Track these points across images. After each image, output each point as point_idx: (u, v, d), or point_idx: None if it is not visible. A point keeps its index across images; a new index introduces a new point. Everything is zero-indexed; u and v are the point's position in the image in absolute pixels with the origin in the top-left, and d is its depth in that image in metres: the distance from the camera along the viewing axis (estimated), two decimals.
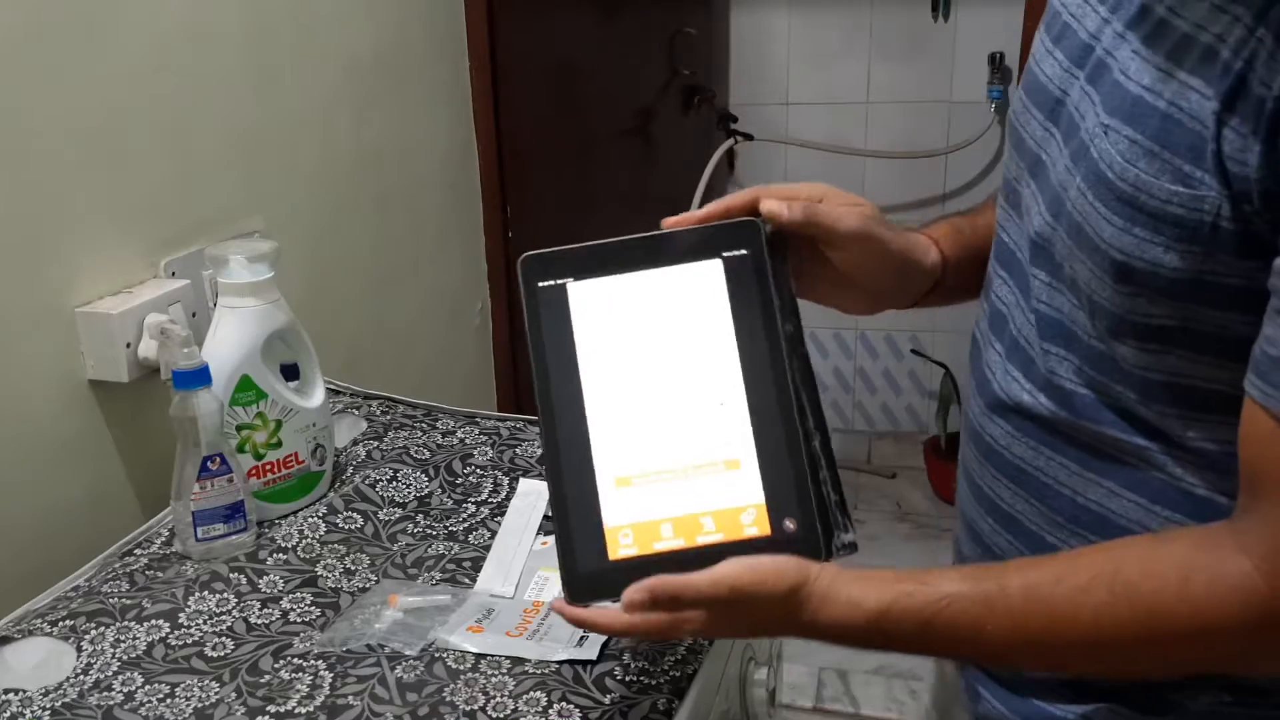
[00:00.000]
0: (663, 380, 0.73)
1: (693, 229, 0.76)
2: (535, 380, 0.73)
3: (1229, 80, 0.56)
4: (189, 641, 0.91)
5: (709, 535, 0.71)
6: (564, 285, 0.74)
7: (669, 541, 0.70)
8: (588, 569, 0.70)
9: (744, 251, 0.75)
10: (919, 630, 0.67)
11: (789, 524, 0.71)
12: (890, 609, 0.68)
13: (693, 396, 0.73)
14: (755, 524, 0.71)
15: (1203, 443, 0.66)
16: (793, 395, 0.73)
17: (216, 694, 0.85)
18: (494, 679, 0.85)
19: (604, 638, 0.88)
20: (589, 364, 0.73)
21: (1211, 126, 0.57)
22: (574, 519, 0.70)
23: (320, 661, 0.88)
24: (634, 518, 0.70)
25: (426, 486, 1.14)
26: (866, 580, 0.69)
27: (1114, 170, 0.62)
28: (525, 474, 1.14)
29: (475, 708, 0.82)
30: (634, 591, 0.67)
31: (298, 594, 0.97)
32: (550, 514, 0.74)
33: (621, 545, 0.70)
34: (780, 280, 0.75)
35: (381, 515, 1.10)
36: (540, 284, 0.74)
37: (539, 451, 1.19)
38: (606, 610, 0.70)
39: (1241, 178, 0.56)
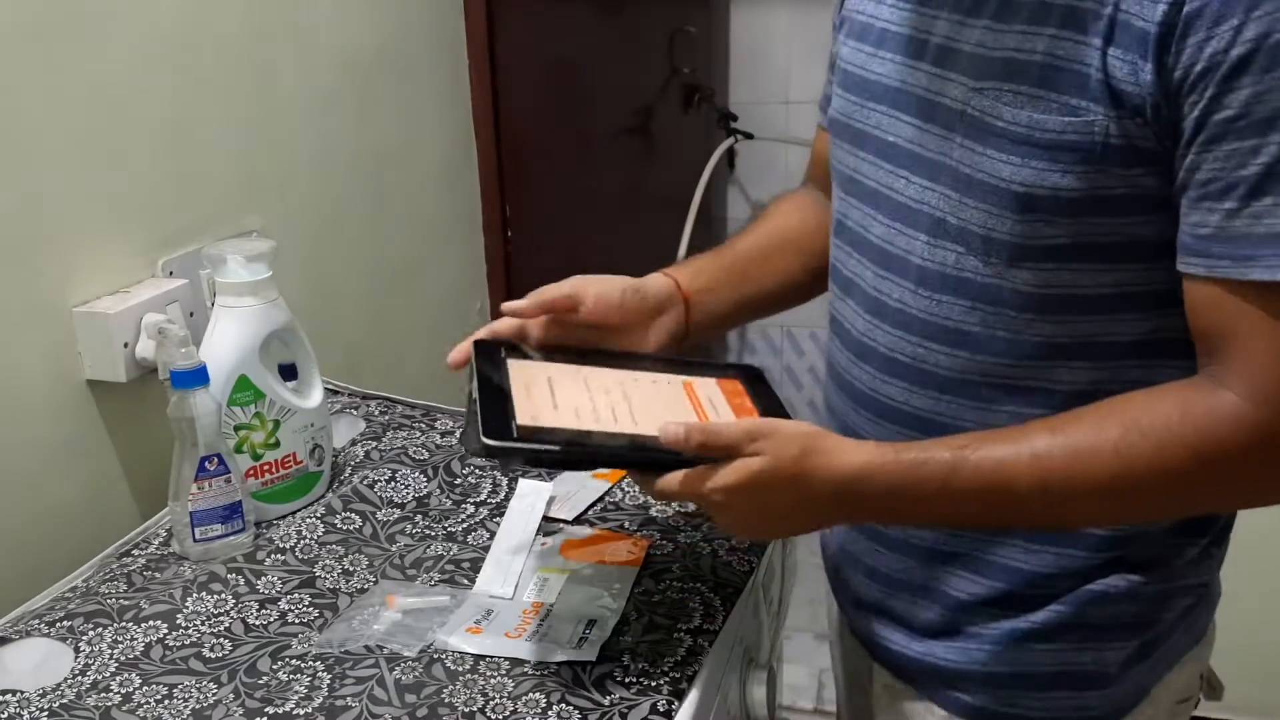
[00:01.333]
0: (616, 396, 0.86)
1: (474, 364, 0.88)
2: (609, 461, 0.86)
3: (1103, 22, 0.69)
4: (187, 642, 0.91)
5: (746, 401, 0.90)
6: (514, 423, 0.80)
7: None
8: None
9: (501, 350, 0.90)
10: (946, 475, 0.75)
11: (733, 372, 0.94)
12: (923, 452, 0.76)
13: (634, 388, 0.88)
14: (733, 388, 0.92)
15: (1078, 351, 0.78)
16: (618, 351, 0.94)
17: (214, 695, 0.85)
18: (493, 680, 0.85)
19: (604, 638, 0.88)
20: (595, 425, 0.82)
21: (1096, 61, 0.69)
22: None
23: (319, 662, 0.88)
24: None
25: (425, 487, 1.14)
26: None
27: (1004, 119, 0.74)
28: (524, 474, 1.14)
29: (474, 709, 0.82)
30: (672, 425, 0.77)
31: (296, 595, 0.97)
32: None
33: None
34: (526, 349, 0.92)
35: (380, 516, 1.09)
36: (516, 438, 0.79)
37: None
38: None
39: (1131, 95, 0.68)
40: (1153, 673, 0.88)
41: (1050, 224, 0.74)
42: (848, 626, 1.03)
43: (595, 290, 0.93)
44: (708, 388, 0.92)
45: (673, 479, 0.78)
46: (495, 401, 0.82)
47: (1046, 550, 0.84)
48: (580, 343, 0.94)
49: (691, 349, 1.01)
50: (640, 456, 0.81)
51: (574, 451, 0.80)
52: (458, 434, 1.22)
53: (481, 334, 0.92)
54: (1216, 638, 0.94)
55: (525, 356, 0.92)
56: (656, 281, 0.98)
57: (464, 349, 0.90)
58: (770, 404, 0.91)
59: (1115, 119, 0.69)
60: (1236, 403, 0.70)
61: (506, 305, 0.92)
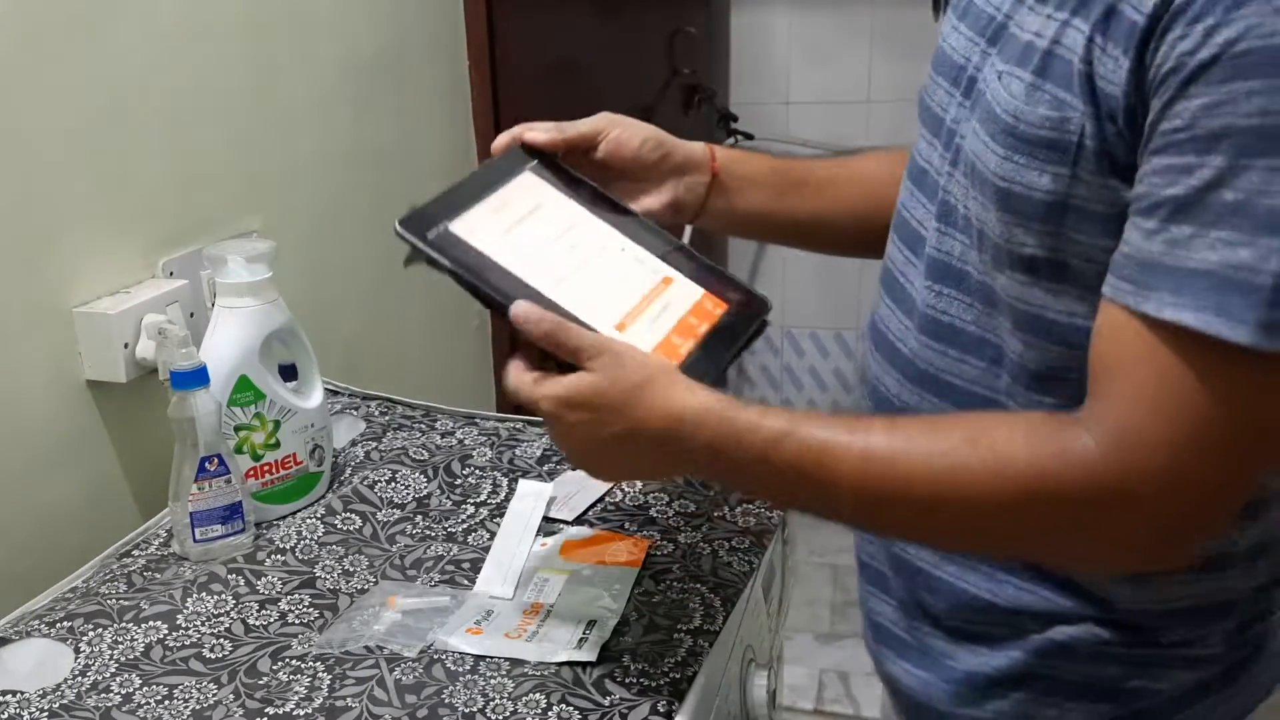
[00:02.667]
0: (572, 255, 0.85)
1: (488, 162, 0.89)
2: (490, 301, 0.80)
3: (1100, 8, 0.62)
4: (187, 643, 0.91)
5: (700, 327, 0.84)
6: (447, 227, 0.83)
7: (686, 345, 0.82)
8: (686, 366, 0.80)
9: (534, 162, 0.90)
10: (769, 445, 0.70)
11: (733, 295, 0.87)
12: (761, 417, 0.71)
13: (602, 255, 0.87)
14: (716, 305, 0.86)
15: (1049, 378, 0.71)
16: (653, 224, 0.90)
17: (215, 696, 0.85)
18: (493, 681, 0.85)
19: (604, 639, 0.88)
20: (517, 267, 0.82)
21: (1081, 51, 0.63)
22: None
23: (319, 663, 0.88)
24: (652, 344, 0.81)
25: (425, 487, 1.14)
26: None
27: (1000, 105, 0.69)
28: (525, 475, 1.14)
29: (474, 709, 0.82)
30: (530, 307, 0.76)
31: (296, 595, 0.97)
32: None
33: (679, 351, 0.82)
34: (572, 169, 0.91)
35: (380, 516, 1.09)
36: (429, 234, 0.82)
37: (539, 452, 1.18)
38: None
39: (1110, 95, 0.62)
40: None
41: (1026, 229, 0.68)
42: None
43: (617, 132, 0.91)
44: (685, 293, 0.86)
45: (513, 370, 0.75)
46: (454, 199, 0.84)
47: (1008, 581, 0.76)
48: (600, 183, 0.91)
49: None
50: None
51: (464, 279, 0.80)
52: (459, 434, 1.22)
53: (535, 138, 0.89)
54: None
55: (557, 173, 0.90)
56: (689, 145, 0.93)
57: (503, 142, 0.90)
58: (720, 346, 0.84)
59: (1092, 118, 0.63)
60: (1088, 446, 0.62)
61: (530, 135, 0.89)
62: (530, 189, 0.88)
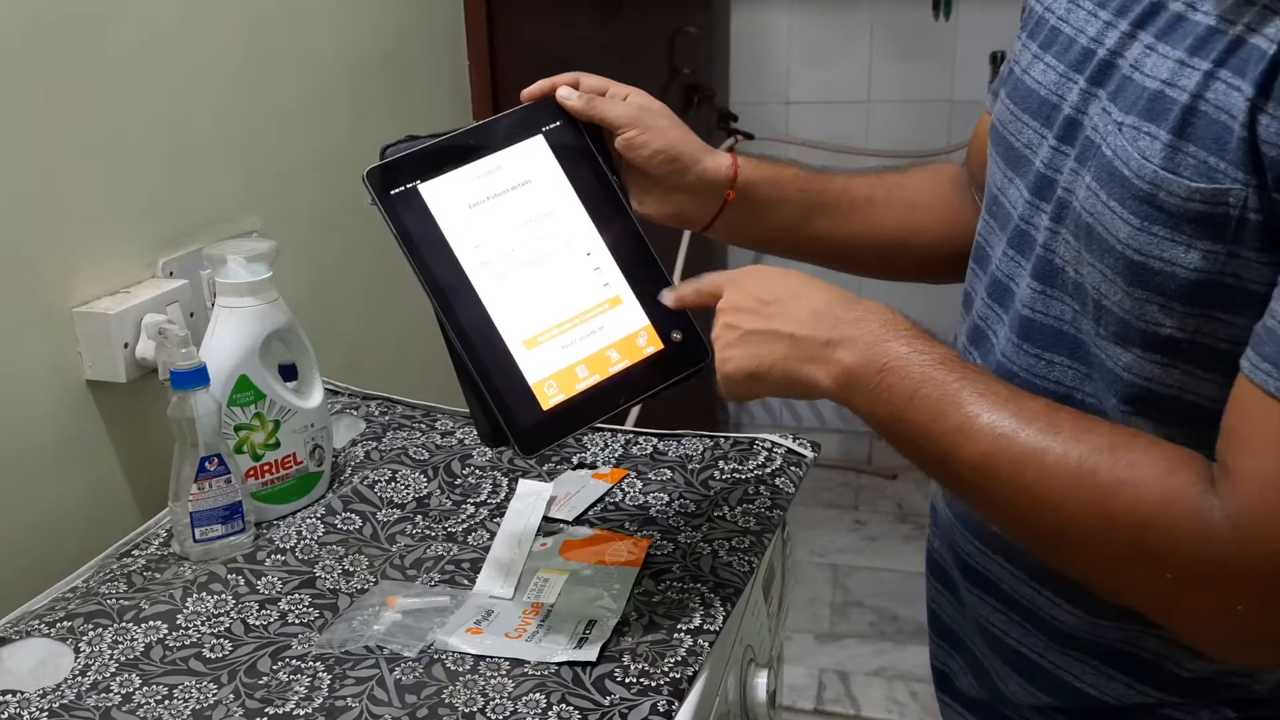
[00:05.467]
0: (532, 247, 0.82)
1: (507, 114, 0.86)
2: (420, 278, 0.80)
3: (1264, 66, 0.55)
4: (187, 643, 0.91)
5: (617, 364, 0.82)
6: (415, 188, 0.80)
7: (587, 380, 0.81)
8: (527, 423, 0.79)
9: (558, 123, 0.86)
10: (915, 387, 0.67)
11: (675, 335, 0.84)
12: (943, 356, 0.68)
13: (563, 255, 0.83)
14: (649, 343, 0.83)
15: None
16: (639, 230, 0.85)
17: (214, 695, 0.85)
18: (493, 681, 0.85)
19: (604, 638, 0.88)
20: (463, 250, 0.80)
21: (1242, 115, 0.56)
22: (501, 386, 0.79)
23: (319, 663, 0.88)
24: (552, 369, 0.80)
25: (425, 487, 1.13)
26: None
27: (1131, 167, 0.61)
28: (524, 475, 1.14)
29: (474, 709, 0.82)
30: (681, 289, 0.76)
31: (296, 595, 0.97)
32: (480, 393, 0.80)
33: (549, 395, 0.80)
34: (596, 141, 0.87)
35: (380, 516, 1.09)
36: (393, 192, 0.80)
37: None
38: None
39: (1276, 162, 0.55)
40: None
41: (1164, 309, 0.62)
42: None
43: (634, 133, 0.87)
44: (625, 320, 0.83)
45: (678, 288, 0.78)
46: (443, 153, 0.82)
47: (1117, 679, 0.71)
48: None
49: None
50: (432, 296, 0.80)
51: (404, 249, 0.80)
52: (460, 434, 1.22)
53: (564, 100, 0.87)
54: None
55: (572, 143, 0.86)
56: (707, 164, 0.90)
57: (535, 91, 0.89)
58: (621, 391, 0.82)
59: (1257, 190, 0.56)
60: (1214, 510, 0.58)
61: (563, 92, 0.87)
62: (531, 158, 0.85)
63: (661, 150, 0.87)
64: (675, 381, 0.84)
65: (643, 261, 0.85)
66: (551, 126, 0.87)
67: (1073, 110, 0.69)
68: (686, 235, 2.45)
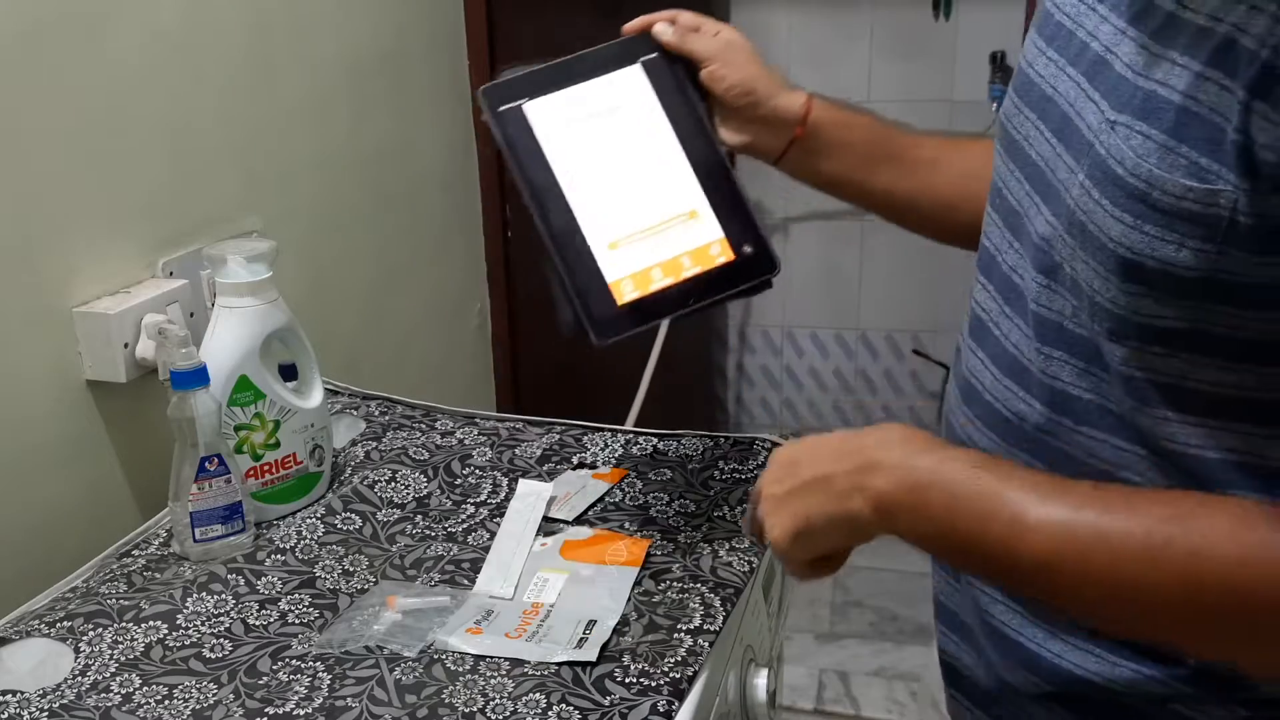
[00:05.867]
0: (620, 161, 0.91)
1: (608, 44, 0.95)
2: (522, 188, 0.88)
3: (1255, 69, 0.54)
4: (187, 643, 0.91)
5: (690, 269, 0.89)
6: (520, 106, 0.89)
7: (661, 281, 0.88)
8: (602, 315, 0.86)
9: (655, 55, 0.95)
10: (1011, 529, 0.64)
11: (746, 248, 0.90)
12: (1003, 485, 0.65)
13: (648, 171, 0.91)
14: (722, 253, 0.90)
15: (1189, 448, 0.64)
16: (721, 153, 0.93)
17: (215, 695, 0.85)
18: (493, 680, 0.85)
19: (604, 638, 0.88)
20: (557, 161, 0.88)
21: (1235, 118, 0.55)
22: (582, 282, 0.86)
23: (319, 663, 0.88)
24: (629, 270, 0.87)
25: (425, 487, 1.13)
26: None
27: (1125, 166, 0.61)
28: (524, 475, 1.14)
29: (474, 709, 0.82)
30: None
31: (296, 595, 0.97)
32: (564, 286, 0.87)
33: (625, 292, 0.87)
34: (687, 72, 0.95)
35: (380, 516, 1.09)
36: (501, 108, 0.89)
37: (539, 451, 1.18)
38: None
39: (1273, 165, 0.54)
40: None
41: (1160, 303, 0.61)
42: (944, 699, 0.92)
43: (715, 66, 0.94)
44: (700, 231, 0.90)
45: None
46: (548, 77, 0.91)
47: (1123, 664, 0.71)
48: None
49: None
50: (535, 206, 0.87)
51: (508, 158, 0.88)
52: (459, 434, 1.22)
53: (660, 34, 0.94)
54: None
55: (667, 73, 0.94)
56: (782, 99, 0.95)
57: (636, 25, 0.96)
58: (690, 294, 0.89)
59: (1249, 193, 0.55)
60: None
61: (659, 27, 0.95)
62: (628, 84, 0.93)
63: (738, 84, 0.93)
64: (743, 289, 0.90)
65: (722, 180, 0.92)
66: (648, 58, 0.94)
67: (1067, 105, 0.68)
68: None
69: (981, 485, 0.65)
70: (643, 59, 0.94)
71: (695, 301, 0.89)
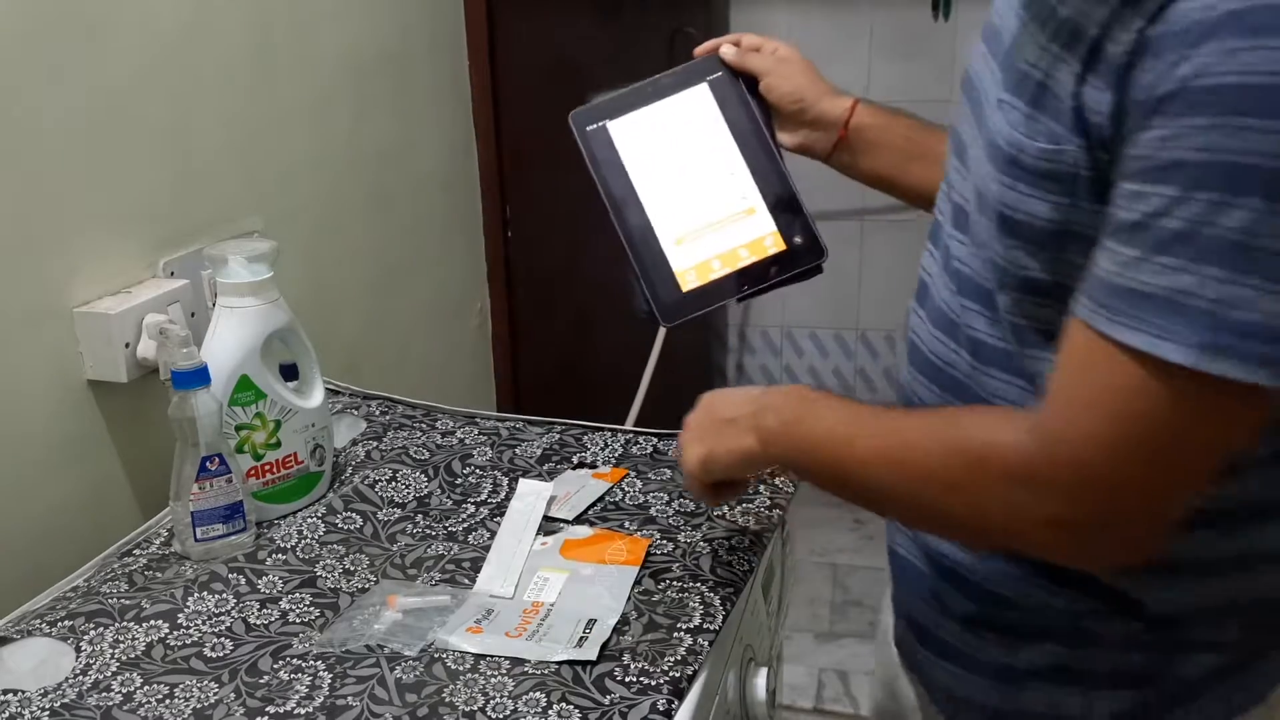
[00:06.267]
0: (688, 167, 1.02)
1: (680, 68, 1.06)
2: (603, 194, 1.00)
3: (1086, 46, 0.65)
4: (188, 642, 0.91)
5: (745, 259, 1.00)
6: (604, 125, 1.03)
7: (720, 270, 0.99)
8: (669, 300, 0.98)
9: (720, 74, 1.06)
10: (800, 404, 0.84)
11: (797, 239, 1.00)
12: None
13: (712, 176, 1.02)
14: (774, 244, 1.00)
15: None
16: (777, 156, 1.04)
17: (215, 694, 0.85)
18: (493, 680, 0.85)
19: (604, 638, 0.89)
20: (635, 172, 1.01)
21: (1072, 87, 0.66)
22: (653, 274, 0.98)
23: (319, 662, 0.88)
24: (693, 261, 0.99)
25: (426, 487, 1.14)
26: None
27: (1002, 136, 0.72)
28: (525, 474, 1.14)
29: (475, 708, 0.82)
30: None
31: (297, 594, 0.97)
32: (636, 277, 0.99)
33: (689, 281, 0.98)
34: (750, 88, 1.06)
35: (381, 516, 1.09)
36: (589, 128, 1.02)
37: (539, 451, 1.19)
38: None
39: (1099, 126, 0.64)
40: None
41: (1029, 254, 0.71)
42: (891, 631, 1.01)
43: (769, 79, 1.05)
44: (755, 225, 1.01)
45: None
46: (629, 100, 1.04)
47: (1040, 585, 0.79)
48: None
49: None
50: (615, 208, 1.00)
51: (593, 173, 1.00)
52: (460, 433, 1.23)
53: (726, 55, 1.06)
54: None
55: (731, 88, 1.06)
56: (829, 104, 1.06)
57: (707, 48, 1.07)
58: (746, 280, 0.99)
59: (1086, 150, 0.65)
60: (1020, 436, 0.68)
61: (725, 50, 1.06)
62: (696, 101, 1.05)
63: (789, 93, 1.05)
64: (794, 274, 1.00)
65: (776, 180, 1.03)
66: (714, 76, 1.06)
67: (983, 91, 0.79)
68: None
69: (835, 414, 0.82)
70: (709, 78, 1.06)
71: (749, 287, 0.99)
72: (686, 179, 1.02)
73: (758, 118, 1.05)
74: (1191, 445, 0.64)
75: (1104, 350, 0.63)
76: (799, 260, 1.00)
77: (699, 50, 1.07)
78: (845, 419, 0.81)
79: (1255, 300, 0.58)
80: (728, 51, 1.06)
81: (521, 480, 1.11)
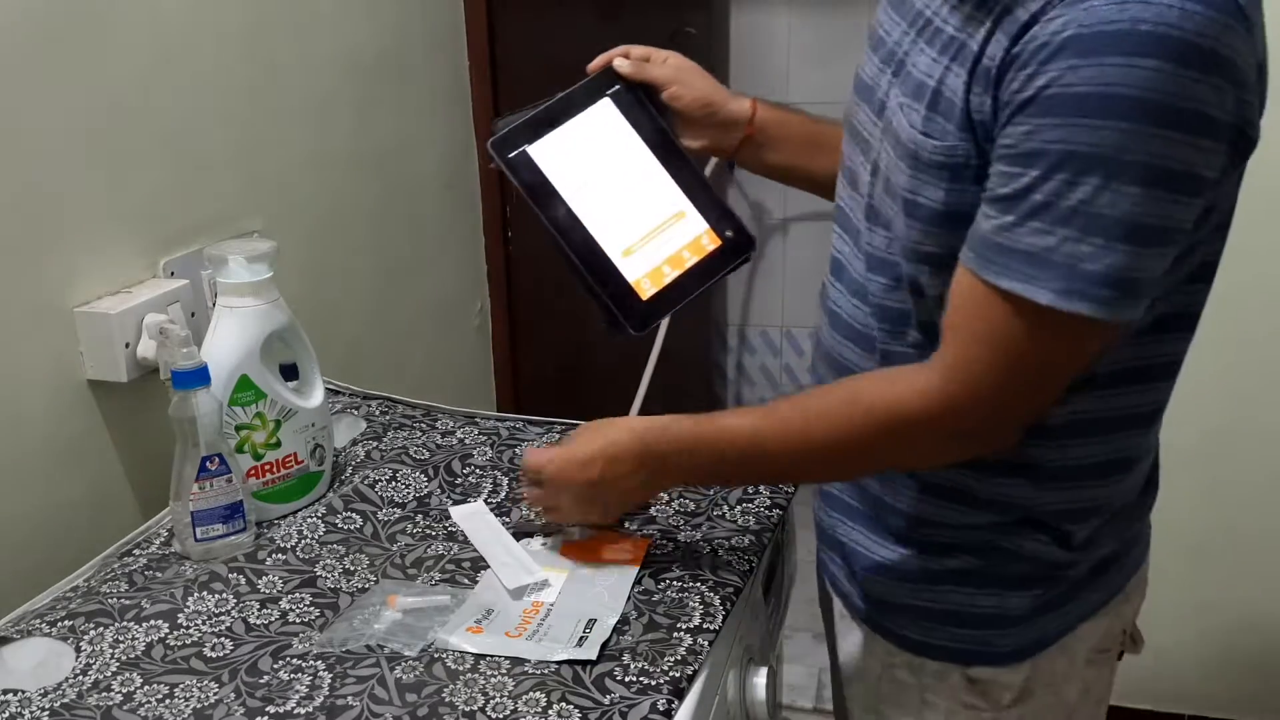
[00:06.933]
0: (614, 181, 1.06)
1: (578, 85, 1.09)
2: (541, 218, 1.02)
3: (970, 60, 0.80)
4: (188, 642, 0.91)
5: (690, 260, 1.06)
6: (525, 150, 1.04)
7: (671, 274, 1.05)
8: (635, 310, 1.03)
9: (618, 87, 1.09)
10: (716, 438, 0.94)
11: (729, 233, 1.08)
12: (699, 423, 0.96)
13: (638, 185, 1.07)
14: (711, 241, 1.07)
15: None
16: (689, 159, 1.09)
17: (215, 694, 0.85)
18: (493, 679, 0.85)
19: (604, 637, 0.88)
20: (567, 192, 1.04)
21: (962, 91, 0.80)
22: (611, 288, 1.02)
23: (319, 662, 0.88)
24: (644, 270, 1.04)
25: (426, 487, 1.14)
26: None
27: (904, 134, 0.85)
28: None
29: (475, 708, 0.82)
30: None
31: (297, 594, 0.97)
32: (592, 294, 1.03)
33: (646, 289, 1.04)
34: (648, 96, 1.10)
35: (381, 515, 1.09)
36: (510, 155, 1.04)
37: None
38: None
39: (982, 124, 0.79)
40: (1061, 621, 0.96)
41: (925, 234, 0.84)
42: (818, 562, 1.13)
43: (675, 88, 1.11)
44: (689, 228, 1.07)
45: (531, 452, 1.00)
46: (539, 121, 1.05)
47: (951, 507, 0.93)
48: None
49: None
50: (560, 237, 1.02)
51: (529, 199, 1.03)
52: (460, 433, 1.23)
53: (621, 68, 1.10)
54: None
55: (631, 100, 1.09)
56: (734, 105, 1.13)
57: (600, 63, 1.10)
58: (696, 279, 1.05)
59: (972, 143, 0.80)
60: (930, 378, 0.83)
61: (618, 62, 1.10)
62: (602, 117, 1.08)
63: (697, 99, 1.11)
64: (734, 266, 1.08)
65: (694, 181, 1.09)
66: (613, 89, 1.09)
67: (883, 95, 0.91)
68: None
69: (706, 430, 0.95)
70: (609, 92, 1.09)
71: (699, 286, 1.06)
72: (616, 192, 1.06)
73: (662, 125, 1.09)
74: (1051, 365, 0.82)
75: (985, 294, 0.79)
76: (737, 252, 1.08)
77: (592, 65, 1.11)
78: (743, 430, 0.93)
79: (1098, 255, 0.74)
80: (623, 64, 1.10)
81: (451, 509, 1.10)
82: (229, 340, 1.04)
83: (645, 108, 1.10)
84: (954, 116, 0.81)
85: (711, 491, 1.10)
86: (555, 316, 2.13)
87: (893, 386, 0.86)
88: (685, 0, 2.62)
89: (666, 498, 1.10)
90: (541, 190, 1.03)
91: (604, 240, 1.03)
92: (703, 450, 0.94)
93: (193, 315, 1.16)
